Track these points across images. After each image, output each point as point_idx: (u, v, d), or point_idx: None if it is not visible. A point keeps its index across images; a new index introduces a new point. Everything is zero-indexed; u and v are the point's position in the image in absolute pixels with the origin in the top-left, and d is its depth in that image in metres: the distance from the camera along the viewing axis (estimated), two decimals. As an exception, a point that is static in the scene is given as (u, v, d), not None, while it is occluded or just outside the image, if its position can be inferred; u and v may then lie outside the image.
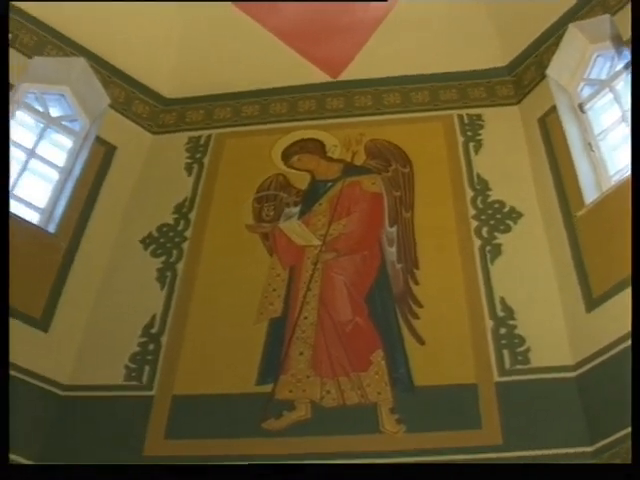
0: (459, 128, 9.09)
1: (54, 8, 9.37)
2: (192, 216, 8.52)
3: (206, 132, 9.59)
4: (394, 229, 8.07)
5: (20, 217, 8.09)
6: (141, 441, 6.74)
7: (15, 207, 8.26)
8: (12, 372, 6.79)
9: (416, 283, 7.57)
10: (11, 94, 8.76)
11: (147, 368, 7.22)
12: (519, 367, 6.82)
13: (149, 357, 7.29)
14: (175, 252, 8.18)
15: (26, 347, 7.09)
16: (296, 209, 8.43)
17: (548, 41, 9.10)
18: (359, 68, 9.87)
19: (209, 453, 6.53)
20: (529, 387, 6.64)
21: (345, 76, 9.91)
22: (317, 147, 9.11)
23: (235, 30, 10.00)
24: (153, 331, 7.49)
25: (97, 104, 9.56)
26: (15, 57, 9.06)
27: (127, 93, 9.77)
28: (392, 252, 7.86)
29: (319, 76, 9.91)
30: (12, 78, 8.78)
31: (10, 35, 9.13)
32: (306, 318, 7.38)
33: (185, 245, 8.24)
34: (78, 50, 9.56)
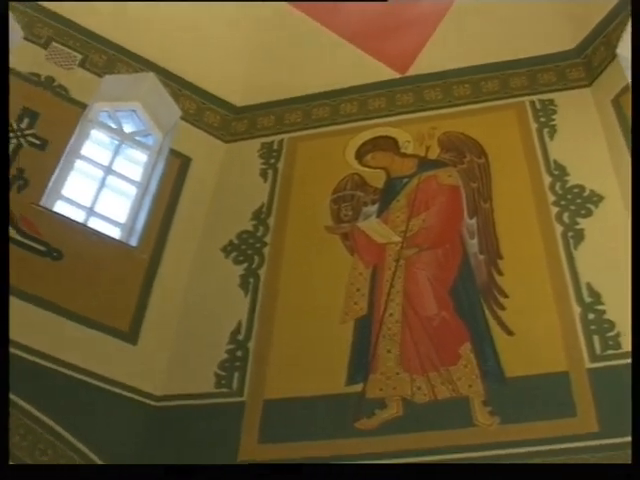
0: (532, 115, 8.96)
1: (122, 26, 9.58)
2: (270, 221, 8.54)
3: (278, 137, 9.60)
4: (474, 221, 8.00)
5: (102, 233, 8.26)
6: (235, 447, 6.73)
7: (96, 223, 8.45)
8: (104, 385, 6.99)
9: (500, 274, 7.48)
10: (85, 113, 8.95)
11: (236, 374, 7.24)
12: (610, 352, 6.68)
13: (238, 363, 7.31)
14: (256, 258, 8.20)
15: (116, 360, 7.24)
16: (374, 207, 8.40)
17: (616, 19, 8.93)
18: (426, 61, 9.80)
19: (303, 455, 6.50)
20: (622, 372, 6.45)
21: (413, 71, 9.85)
22: (390, 144, 9.07)
23: (300, 33, 10.07)
24: (240, 337, 7.51)
25: (169, 117, 9.69)
26: (86, 77, 9.26)
27: (197, 104, 9.85)
28: (473, 244, 7.79)
29: (387, 73, 9.86)
30: (85, 97, 9.00)
31: (80, 56, 9.33)
32: (391, 315, 7.34)
33: (266, 250, 8.26)
34: (147, 65, 9.73)
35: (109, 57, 9.56)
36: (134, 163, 9.46)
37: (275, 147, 9.47)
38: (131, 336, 7.47)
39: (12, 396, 6.40)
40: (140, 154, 9.58)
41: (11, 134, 8.20)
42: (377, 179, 8.72)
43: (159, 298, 7.84)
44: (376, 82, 9.87)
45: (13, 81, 8.65)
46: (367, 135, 9.25)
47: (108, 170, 9.09)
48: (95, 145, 9.31)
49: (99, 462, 6.49)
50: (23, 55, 9.09)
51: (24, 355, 6.75)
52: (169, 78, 9.79)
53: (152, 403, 7.14)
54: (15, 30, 9.25)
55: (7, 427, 5.26)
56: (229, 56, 10.14)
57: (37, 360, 6.82)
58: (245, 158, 9.47)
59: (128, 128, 9.70)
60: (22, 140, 8.23)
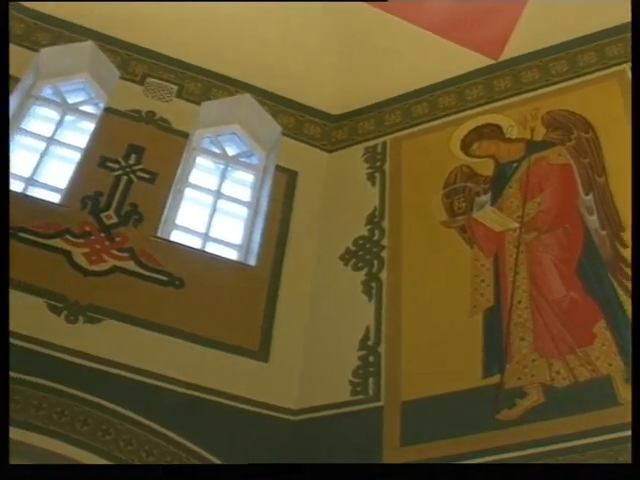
0: (634, 80, 8.75)
1: (214, 53, 9.87)
2: (385, 224, 8.48)
3: (380, 140, 9.56)
4: (590, 197, 7.80)
5: (220, 257, 8.39)
6: (378, 452, 6.66)
7: (213, 248, 8.56)
8: (242, 405, 7.05)
9: (624, 246, 7.28)
10: (188, 142, 9.10)
11: (371, 380, 7.19)
12: None
13: (371, 369, 7.26)
14: (376, 262, 8.14)
15: (251, 380, 7.29)
16: (487, 196, 8.27)
17: None
18: (519, 43, 9.64)
19: (447, 454, 6.41)
20: None
21: (507, 54, 9.71)
22: (494, 131, 8.94)
23: (386, 32, 10.00)
24: (370, 343, 7.46)
25: (270, 135, 9.79)
26: (184, 106, 9.44)
27: (296, 118, 9.91)
28: (593, 220, 7.60)
29: (481, 60, 9.75)
30: (186, 127, 9.16)
31: (175, 87, 9.51)
32: (520, 302, 7.20)
33: (384, 253, 8.19)
34: (242, 87, 9.87)
35: (204, 84, 9.74)
36: (242, 184, 9.58)
37: (379, 150, 9.43)
38: (262, 354, 7.50)
39: (160, 427, 6.57)
40: (246, 175, 9.70)
41: (120, 171, 8.45)
42: (486, 168, 8.59)
43: (284, 313, 7.86)
44: (471, 71, 9.75)
45: (116, 120, 8.95)
46: (470, 125, 9.14)
47: (217, 194, 9.22)
48: (202, 172, 9.47)
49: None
50: (122, 94, 9.36)
51: (169, 386, 6.93)
52: (264, 96, 9.90)
53: (291, 418, 7.14)
54: (111, 71, 9.51)
55: (7, 427, 5.27)
56: (319, 66, 10.18)
57: (178, 389, 6.95)
58: (350, 165, 9.47)
59: (231, 151, 9.83)
60: (132, 176, 8.43)
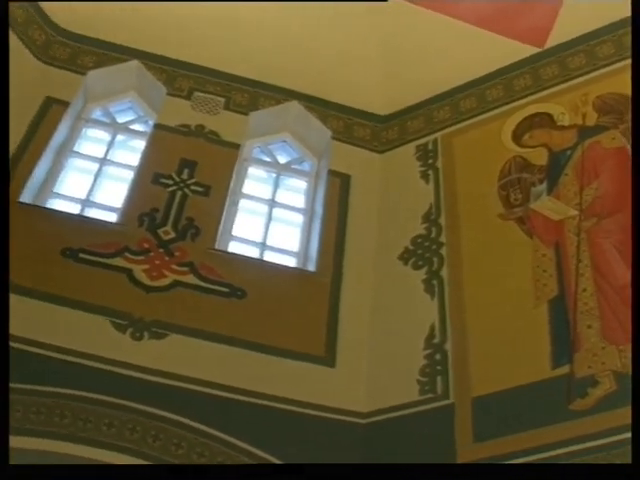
0: (684, 57, 8.62)
1: (259, 63, 9.92)
2: (442, 221, 8.43)
3: (431, 137, 9.53)
4: (648, 178, 7.72)
5: (279, 265, 8.44)
6: (452, 451, 6.60)
7: (271, 257, 8.58)
8: (311, 411, 7.05)
9: (686, 226, 7.18)
10: (239, 153, 9.14)
11: (439, 378, 7.13)
12: None
13: (438, 367, 7.21)
14: (435, 260, 8.09)
15: (318, 385, 7.28)
16: (542, 186, 8.18)
17: None
18: (563, 29, 9.52)
19: (522, 447, 6.32)
20: None
21: (552, 42, 9.60)
22: (545, 119, 8.84)
23: (428, 29, 9.97)
24: (435, 341, 7.41)
25: (320, 140, 9.81)
26: (233, 118, 9.49)
27: (344, 121, 9.92)
28: (653, 201, 7.51)
29: (526, 49, 9.65)
30: (236, 138, 9.21)
31: (222, 99, 9.57)
32: (585, 290, 7.10)
33: (443, 250, 8.15)
34: (289, 95, 9.91)
35: (251, 94, 9.81)
36: (295, 192, 9.62)
37: (430, 147, 9.40)
38: (328, 359, 7.50)
39: (231, 439, 6.60)
40: (299, 181, 9.74)
41: (174, 186, 8.52)
42: (539, 157, 8.49)
43: (348, 317, 7.85)
44: (517, 61, 9.65)
45: (166, 136, 9.02)
46: (520, 116, 9.05)
47: (272, 203, 9.25)
48: (254, 182, 9.52)
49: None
50: (170, 110, 9.44)
51: (238, 397, 6.98)
52: (312, 102, 9.93)
53: (361, 421, 7.11)
54: (158, 88, 9.59)
55: (7, 427, 5.28)
56: (365, 67, 10.17)
57: (247, 399, 6.98)
58: (403, 164, 9.45)
59: (282, 159, 9.87)
60: (186, 190, 8.49)
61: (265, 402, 6.99)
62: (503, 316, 7.31)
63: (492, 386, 6.87)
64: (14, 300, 7.01)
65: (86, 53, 9.80)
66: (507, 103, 9.37)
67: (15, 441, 5.78)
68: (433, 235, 8.36)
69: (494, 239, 7.98)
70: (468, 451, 6.58)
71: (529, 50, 9.65)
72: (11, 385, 6.30)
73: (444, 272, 7.96)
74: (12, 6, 9.17)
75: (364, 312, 7.95)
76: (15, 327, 6.81)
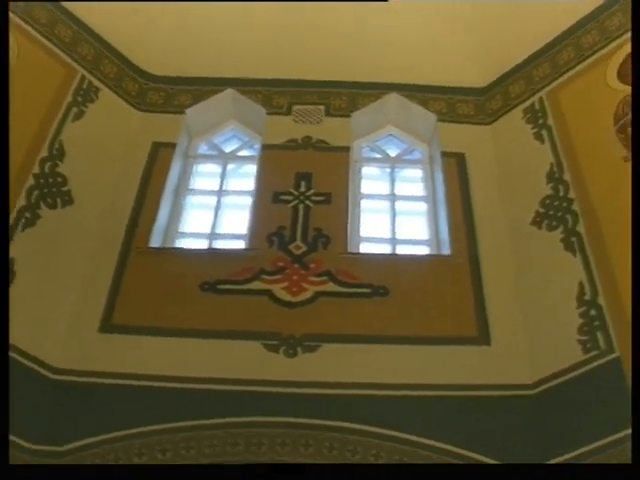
0: None
1: (355, 65, 9.94)
2: (566, 177, 8.23)
3: (535, 97, 9.36)
4: None
5: (414, 255, 8.56)
6: (626, 403, 6.29)
7: (404, 249, 8.65)
8: (475, 393, 6.98)
9: None
10: (350, 155, 9.21)
11: (599, 334, 6.94)
12: None
13: (596, 323, 7.00)
14: (569, 217, 7.90)
15: (478, 366, 7.20)
16: (661, 117, 7.98)
17: None
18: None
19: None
20: None
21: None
22: (647, 52, 8.62)
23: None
24: (587, 297, 7.20)
25: (425, 126, 9.81)
26: (336, 122, 9.59)
27: (446, 102, 9.86)
28: None
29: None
30: (343, 141, 9.27)
31: (322, 106, 9.62)
32: None
33: (574, 206, 7.95)
34: (385, 88, 9.98)
35: (348, 96, 9.86)
36: (412, 181, 9.60)
37: (537, 107, 9.24)
38: (483, 338, 7.41)
39: (399, 434, 6.60)
40: (414, 171, 9.72)
41: (295, 201, 8.60)
42: (651, 93, 8.27)
43: (493, 292, 7.75)
44: (606, 1, 9.37)
45: (276, 154, 9.17)
46: (621, 55, 8.74)
47: (392, 197, 9.24)
48: (371, 180, 9.52)
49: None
50: (273, 129, 9.55)
51: (409, 393, 6.96)
52: (409, 90, 9.90)
53: (529, 393, 6.99)
54: (257, 110, 9.70)
55: (7, 427, 5.29)
56: (455, 43, 10.16)
57: (418, 393, 6.96)
58: (513, 130, 9.32)
59: (393, 152, 9.89)
60: (307, 202, 8.56)
61: (432, 393, 6.96)
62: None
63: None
64: (162, 342, 7.22)
65: (180, 92, 10.00)
66: (605, 46, 9.11)
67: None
68: (561, 193, 8.17)
69: (623, 182, 7.71)
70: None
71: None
72: (181, 424, 6.52)
73: (580, 227, 7.76)
74: (104, 62, 9.45)
75: (508, 284, 7.84)
76: (171, 368, 7.05)
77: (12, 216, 7.50)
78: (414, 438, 6.60)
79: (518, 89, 9.66)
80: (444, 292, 7.81)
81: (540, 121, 9.07)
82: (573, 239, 7.73)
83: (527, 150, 8.93)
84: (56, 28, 9.28)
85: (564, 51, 9.44)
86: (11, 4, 8.63)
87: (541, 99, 9.30)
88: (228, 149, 10.01)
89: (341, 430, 6.65)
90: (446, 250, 8.29)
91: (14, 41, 8.52)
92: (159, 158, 9.15)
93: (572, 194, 8.08)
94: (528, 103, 9.41)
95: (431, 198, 9.12)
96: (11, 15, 8.63)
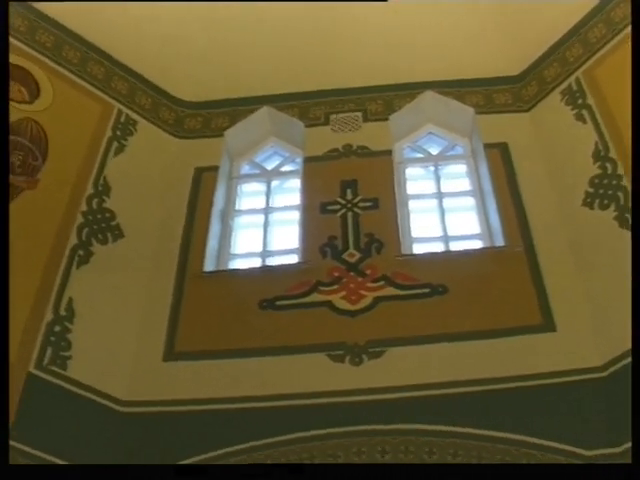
0: None
1: (391, 68, 9.99)
2: (613, 154, 8.16)
3: (572, 78, 9.30)
4: None
5: (468, 250, 8.50)
6: None
7: (457, 245, 8.64)
8: (545, 381, 6.90)
9: None
10: (392, 158, 9.25)
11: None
12: None
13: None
14: (620, 194, 7.81)
15: (547, 353, 7.13)
16: (703, 85, 7.85)
17: None
18: None
19: None
20: None
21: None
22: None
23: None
24: (647, 274, 7.15)
25: (464, 120, 9.79)
26: (375, 127, 9.81)
27: (482, 94, 9.84)
28: None
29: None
30: (384, 145, 9.32)
31: (359, 113, 9.73)
32: None
33: (624, 182, 7.85)
34: (420, 87, 9.97)
35: (384, 99, 9.88)
36: (457, 177, 9.57)
37: (575, 88, 9.17)
38: (548, 324, 7.34)
39: (494, 433, 6.55)
40: (458, 166, 9.70)
41: (343, 209, 8.62)
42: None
43: (552, 277, 7.68)
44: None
45: (318, 166, 9.21)
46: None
47: (439, 195, 9.23)
48: (415, 180, 9.53)
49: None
50: (313, 141, 9.61)
51: (479, 388, 6.91)
52: (444, 86, 9.89)
53: (602, 375, 6.88)
54: (294, 124, 9.75)
55: (7, 427, 5.27)
56: (481, 37, 10.12)
57: (490, 387, 6.91)
58: (553, 114, 9.27)
59: (434, 150, 9.87)
60: (356, 209, 8.58)
61: (500, 386, 6.89)
62: None
63: None
64: (227, 364, 7.24)
65: (217, 115, 10.08)
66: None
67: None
68: (610, 171, 8.09)
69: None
70: None
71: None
72: (257, 442, 6.52)
73: (631, 204, 7.65)
74: (139, 94, 9.54)
75: (567, 267, 7.76)
76: (239, 389, 7.07)
77: (65, 255, 7.62)
78: (491, 433, 6.55)
79: (553, 72, 9.60)
80: (503, 283, 7.76)
81: (579, 101, 8.99)
82: (627, 215, 7.62)
83: (570, 132, 8.87)
84: (88, 66, 9.42)
85: (595, 28, 9.35)
86: (40, 50, 8.77)
87: (577, 79, 9.23)
88: (270, 166, 10.05)
89: (416, 433, 6.61)
90: (499, 241, 8.24)
91: (48, 84, 8.65)
92: (203, 183, 9.22)
93: (621, 170, 7.99)
94: (565, 85, 9.34)
95: (478, 191, 9.09)
96: (44, 59, 8.77)
